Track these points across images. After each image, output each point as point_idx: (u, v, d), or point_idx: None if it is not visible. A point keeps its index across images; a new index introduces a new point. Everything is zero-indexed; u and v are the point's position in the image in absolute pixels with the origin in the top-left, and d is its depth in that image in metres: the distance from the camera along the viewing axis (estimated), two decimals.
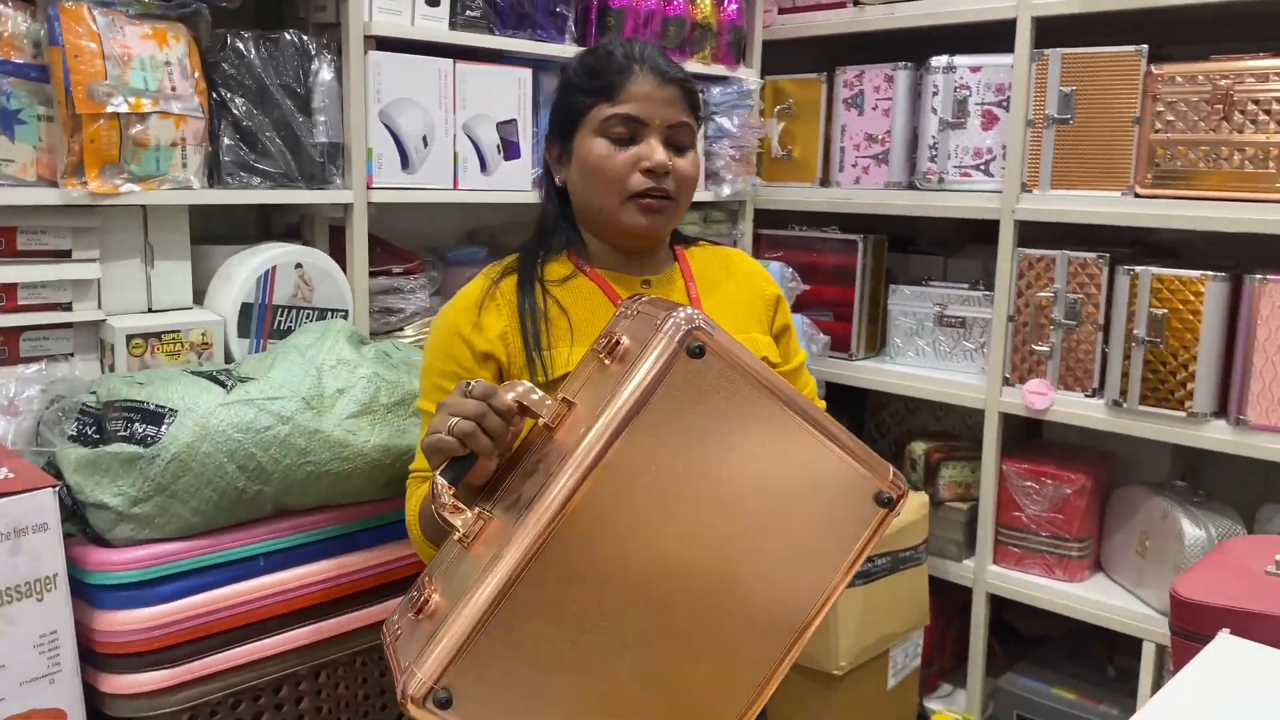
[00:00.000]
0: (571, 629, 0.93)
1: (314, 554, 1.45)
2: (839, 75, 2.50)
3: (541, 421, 1.03)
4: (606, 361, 1.02)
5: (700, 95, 1.34)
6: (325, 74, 1.83)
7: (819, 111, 2.55)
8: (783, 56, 2.63)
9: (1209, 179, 1.93)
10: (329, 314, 1.81)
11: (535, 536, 0.90)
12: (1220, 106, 1.90)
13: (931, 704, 2.47)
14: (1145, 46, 2.01)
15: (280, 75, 1.76)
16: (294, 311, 1.77)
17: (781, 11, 2.58)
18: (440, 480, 1.02)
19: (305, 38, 1.80)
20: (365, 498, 1.49)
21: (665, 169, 1.27)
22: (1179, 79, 1.95)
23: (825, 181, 2.58)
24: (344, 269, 1.87)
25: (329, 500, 1.46)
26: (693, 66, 2.40)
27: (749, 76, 2.54)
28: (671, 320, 0.95)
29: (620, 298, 1.30)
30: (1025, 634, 2.58)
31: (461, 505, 1.01)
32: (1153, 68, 1.99)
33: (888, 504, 1.04)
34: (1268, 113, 1.87)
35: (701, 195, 2.49)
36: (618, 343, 1.01)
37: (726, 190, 2.52)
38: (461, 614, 0.89)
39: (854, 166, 2.49)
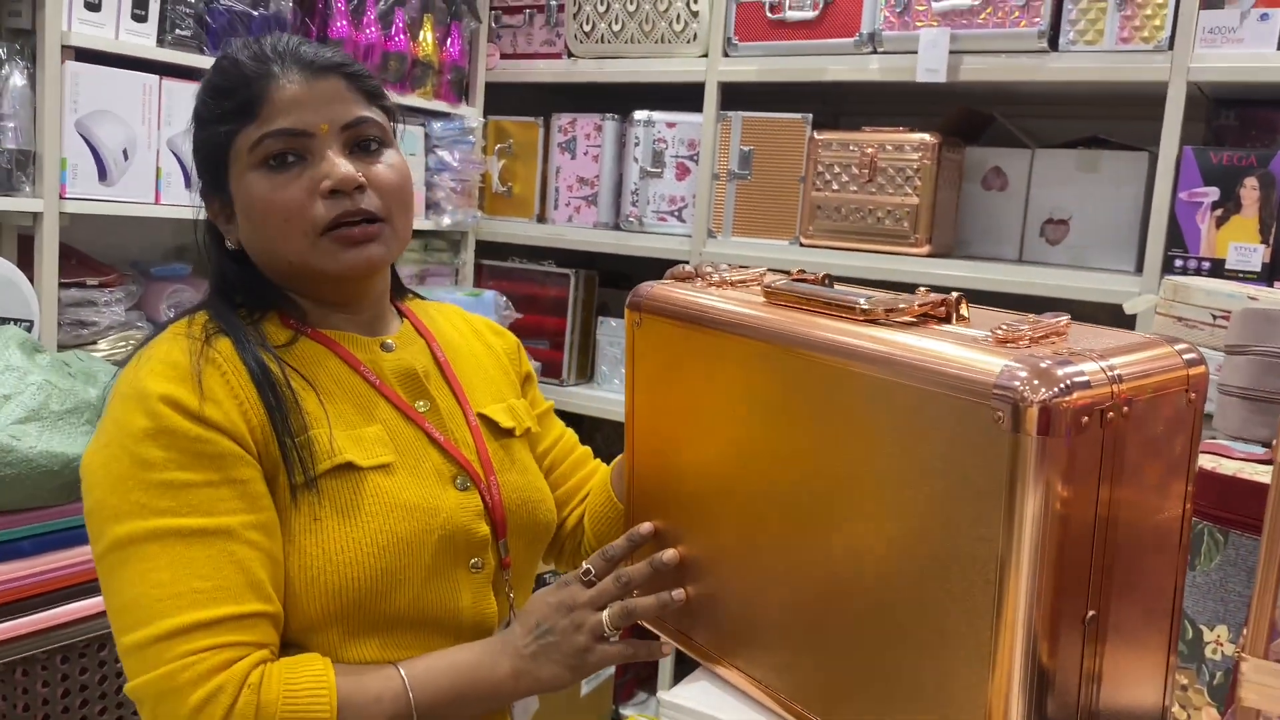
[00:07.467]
0: None
1: None
2: (554, 121, 2.67)
3: None
4: None
5: (378, 84, 1.08)
6: (17, 79, 1.81)
7: (537, 152, 2.71)
8: (505, 98, 2.77)
9: (856, 232, 2.22)
10: (10, 323, 1.77)
11: None
12: (866, 171, 2.20)
13: (626, 710, 2.64)
14: (810, 115, 2.29)
15: None
16: None
17: (504, 56, 2.73)
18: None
19: None
20: (31, 504, 1.47)
21: (353, 182, 0.98)
22: (835, 145, 2.23)
23: (542, 218, 2.74)
24: (32, 280, 1.84)
25: None
26: (414, 101, 2.51)
27: (471, 114, 2.67)
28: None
29: (361, 362, 1.05)
30: None
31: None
32: (815, 134, 2.27)
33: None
34: (904, 178, 2.17)
35: (422, 224, 2.59)
36: None
37: (447, 220, 2.63)
38: None
39: (567, 206, 2.66)
